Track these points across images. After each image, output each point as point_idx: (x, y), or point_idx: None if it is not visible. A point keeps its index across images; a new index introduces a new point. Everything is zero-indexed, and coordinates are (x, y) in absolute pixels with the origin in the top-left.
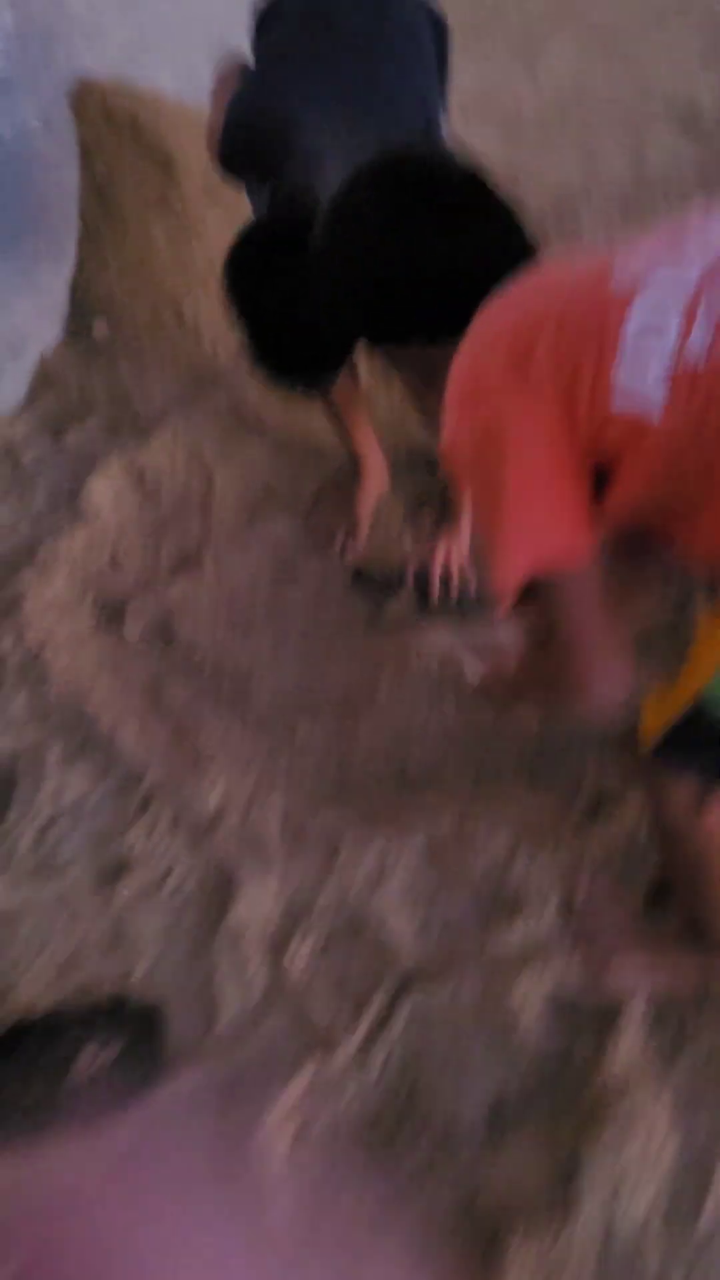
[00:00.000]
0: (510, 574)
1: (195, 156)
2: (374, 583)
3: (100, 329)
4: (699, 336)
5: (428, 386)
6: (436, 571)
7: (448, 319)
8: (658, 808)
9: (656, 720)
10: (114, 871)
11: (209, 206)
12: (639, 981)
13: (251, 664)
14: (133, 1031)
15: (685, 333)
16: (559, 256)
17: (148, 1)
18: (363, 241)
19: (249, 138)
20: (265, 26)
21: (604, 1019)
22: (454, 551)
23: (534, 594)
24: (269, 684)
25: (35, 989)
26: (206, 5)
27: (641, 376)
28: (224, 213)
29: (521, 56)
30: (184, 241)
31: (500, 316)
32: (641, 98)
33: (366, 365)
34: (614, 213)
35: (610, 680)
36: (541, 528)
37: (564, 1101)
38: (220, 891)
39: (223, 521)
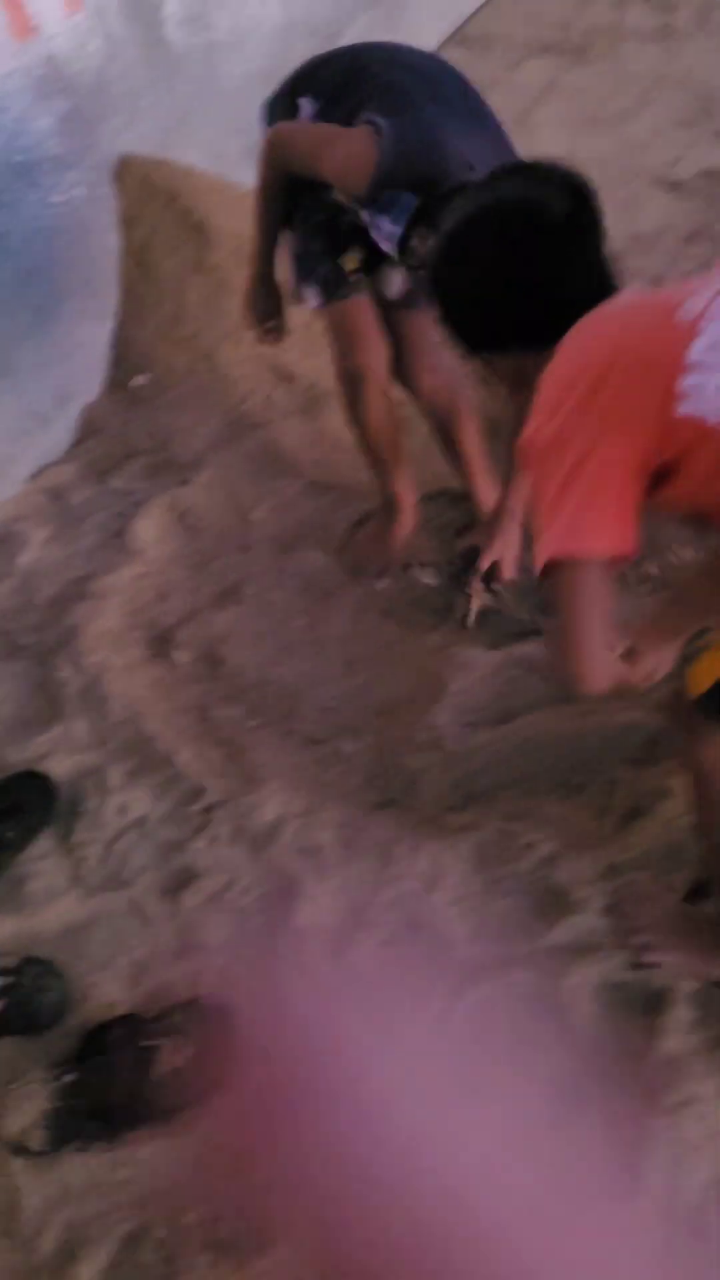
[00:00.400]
0: (543, 555)
1: (226, 223)
2: (426, 574)
3: (139, 381)
4: None
5: (516, 390)
6: (488, 558)
7: (537, 332)
8: (693, 753)
9: (710, 675)
10: (180, 882)
11: (239, 267)
12: (683, 971)
13: (295, 686)
14: (208, 1030)
15: None
16: (636, 292)
17: (180, 88)
18: (472, 266)
19: (414, 156)
20: (359, 81)
21: (652, 1006)
22: (507, 547)
23: (549, 577)
24: (313, 704)
25: (112, 992)
26: (231, 91)
27: (705, 385)
28: None
29: (516, 127)
30: (217, 299)
31: (586, 339)
32: (630, 162)
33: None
34: None
35: (595, 669)
36: (582, 526)
37: (620, 1084)
38: (282, 897)
39: (260, 556)
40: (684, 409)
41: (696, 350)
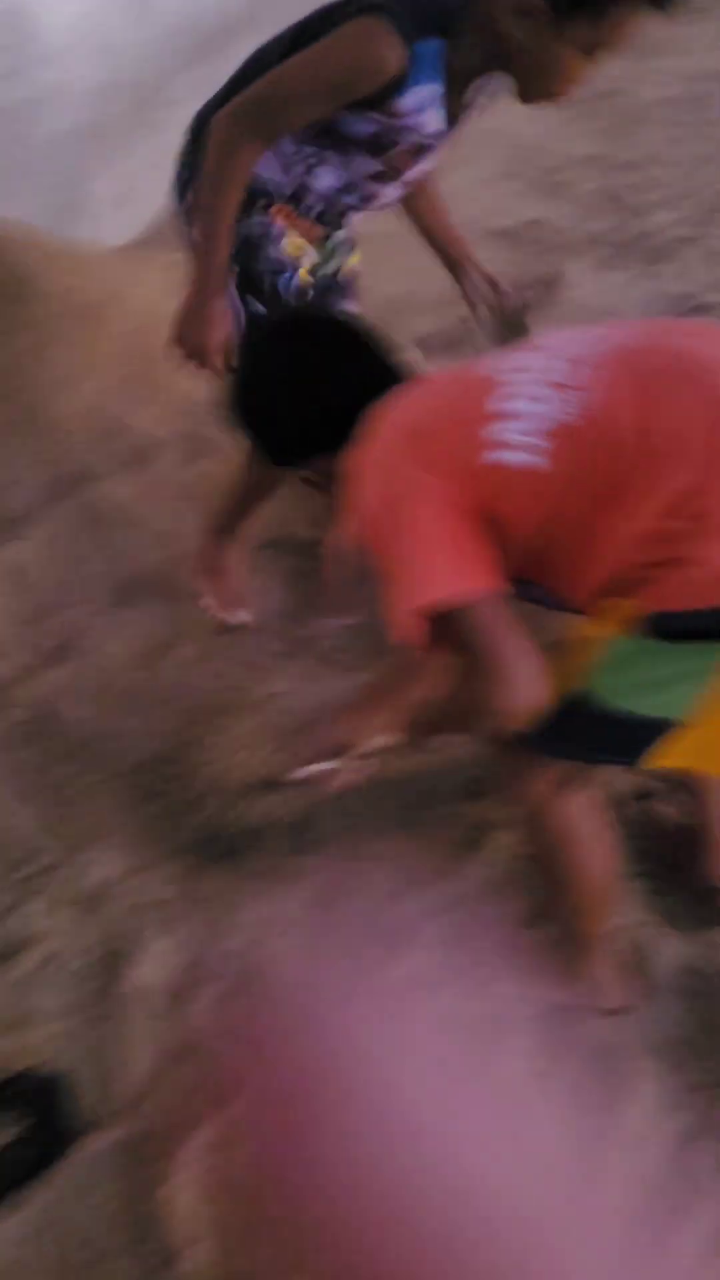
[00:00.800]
0: (423, 611)
1: (48, 278)
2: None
3: None
4: (570, 399)
5: (322, 487)
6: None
7: (339, 434)
8: (521, 793)
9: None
10: (8, 952)
11: (64, 320)
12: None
13: (133, 740)
14: (36, 1106)
15: (559, 397)
16: (432, 374)
17: None
18: (264, 390)
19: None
20: (300, 38)
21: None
22: None
23: (445, 631)
24: (151, 757)
25: None
26: (51, 148)
27: (506, 432)
28: (80, 324)
29: None
30: (44, 351)
31: (393, 414)
32: (460, 213)
33: None
34: (434, 315)
35: (534, 682)
36: (451, 566)
37: None
38: (117, 958)
39: (97, 609)
40: (489, 457)
41: (497, 400)
